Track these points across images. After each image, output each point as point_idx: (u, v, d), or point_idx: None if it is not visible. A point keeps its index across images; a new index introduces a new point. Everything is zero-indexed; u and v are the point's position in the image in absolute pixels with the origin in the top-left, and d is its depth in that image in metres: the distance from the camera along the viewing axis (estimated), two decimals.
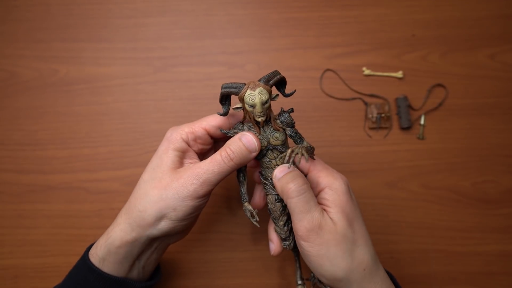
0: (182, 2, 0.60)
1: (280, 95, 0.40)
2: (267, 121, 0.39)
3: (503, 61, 0.58)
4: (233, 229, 0.54)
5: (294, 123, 0.40)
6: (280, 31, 0.59)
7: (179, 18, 0.59)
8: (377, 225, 0.54)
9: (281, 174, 0.38)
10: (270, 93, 0.37)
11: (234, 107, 0.39)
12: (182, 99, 0.57)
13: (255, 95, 0.36)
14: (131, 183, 0.55)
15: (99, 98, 0.57)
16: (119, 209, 0.53)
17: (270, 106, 0.38)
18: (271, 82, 0.38)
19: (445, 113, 0.57)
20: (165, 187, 0.38)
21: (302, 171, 0.41)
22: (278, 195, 0.40)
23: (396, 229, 0.54)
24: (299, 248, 0.39)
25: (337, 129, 0.56)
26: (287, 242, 0.42)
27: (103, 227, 0.53)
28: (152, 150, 0.55)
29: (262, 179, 0.41)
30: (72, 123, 0.56)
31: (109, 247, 0.39)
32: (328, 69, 0.58)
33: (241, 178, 0.41)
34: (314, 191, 0.40)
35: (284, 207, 0.40)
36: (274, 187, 0.40)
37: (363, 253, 0.37)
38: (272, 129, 0.39)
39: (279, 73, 0.39)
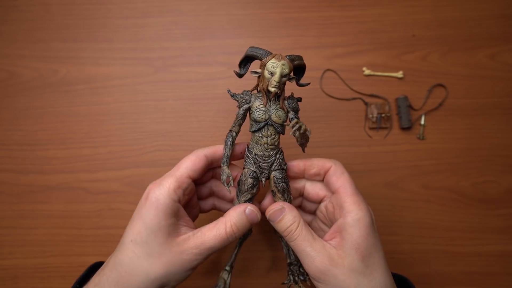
0: (182, 2, 0.60)
1: (294, 83, 0.41)
2: (277, 97, 0.39)
3: (503, 61, 0.58)
4: None
5: (299, 109, 0.41)
6: (280, 31, 0.59)
7: (179, 18, 0.59)
8: (377, 225, 0.53)
9: (275, 219, 0.39)
10: (291, 70, 0.38)
11: (253, 70, 0.39)
12: (182, 99, 0.57)
13: (278, 64, 0.37)
14: (131, 183, 0.55)
15: (99, 98, 0.57)
16: (119, 209, 0.54)
17: (285, 83, 0.39)
18: (295, 62, 0.39)
19: (446, 113, 0.56)
20: (167, 264, 0.36)
21: (331, 187, 0.41)
22: (255, 171, 0.40)
23: (397, 229, 0.54)
24: None
25: (337, 129, 0.56)
26: None
27: (103, 228, 0.53)
28: (152, 150, 0.56)
29: (246, 151, 0.41)
30: (72, 123, 0.56)
31: None
32: (328, 69, 0.58)
33: (229, 142, 0.40)
34: (336, 214, 0.40)
35: (254, 186, 0.40)
36: (254, 163, 0.40)
37: (376, 286, 0.37)
38: (278, 106, 0.39)
39: (303, 59, 0.40)
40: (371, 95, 0.57)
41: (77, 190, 0.54)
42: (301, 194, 0.45)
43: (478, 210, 0.54)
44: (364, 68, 0.57)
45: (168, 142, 0.56)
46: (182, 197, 0.39)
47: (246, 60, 0.40)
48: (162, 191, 0.37)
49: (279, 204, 0.40)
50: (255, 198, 0.43)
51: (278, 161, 0.40)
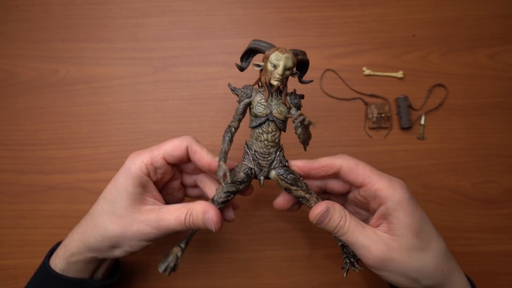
0: (182, 2, 0.60)
1: (297, 80, 0.40)
2: (279, 92, 0.39)
3: (503, 61, 0.58)
4: (233, 229, 0.54)
5: (302, 107, 0.40)
6: (280, 31, 0.59)
7: (179, 18, 0.59)
8: None
9: (324, 221, 0.38)
10: (294, 64, 0.37)
11: (255, 63, 0.38)
12: (182, 99, 0.57)
13: (281, 57, 0.36)
14: None
15: (99, 98, 0.57)
16: None
17: (287, 78, 0.38)
18: (299, 57, 0.38)
19: (445, 113, 0.56)
20: (125, 226, 0.38)
21: (354, 184, 0.40)
22: (252, 169, 0.39)
23: None
24: None
25: (337, 129, 0.56)
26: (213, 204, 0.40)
27: None
28: None
29: (245, 147, 0.40)
30: (72, 123, 0.56)
31: (68, 259, 0.41)
32: (328, 69, 0.58)
33: (228, 137, 0.38)
34: (372, 204, 0.39)
35: (243, 182, 0.39)
36: (253, 160, 0.39)
37: (437, 255, 0.37)
38: (280, 101, 0.38)
39: (306, 55, 0.39)
40: (371, 95, 0.57)
41: (77, 190, 0.54)
42: (323, 190, 0.43)
43: (478, 210, 0.54)
44: (364, 68, 0.57)
45: None
46: (154, 173, 0.41)
47: (249, 53, 0.40)
48: (135, 162, 0.40)
49: (323, 206, 0.38)
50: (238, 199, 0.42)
51: (278, 158, 0.39)
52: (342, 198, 0.45)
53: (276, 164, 0.39)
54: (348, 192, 0.43)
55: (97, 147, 0.56)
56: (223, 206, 0.40)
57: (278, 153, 0.39)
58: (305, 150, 0.41)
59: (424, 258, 0.37)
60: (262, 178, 0.39)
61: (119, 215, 0.38)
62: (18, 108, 0.57)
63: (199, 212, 0.38)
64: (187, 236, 0.41)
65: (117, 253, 0.40)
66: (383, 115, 0.56)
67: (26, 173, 0.55)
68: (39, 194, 0.54)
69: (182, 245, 0.41)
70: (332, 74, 0.58)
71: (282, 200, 0.42)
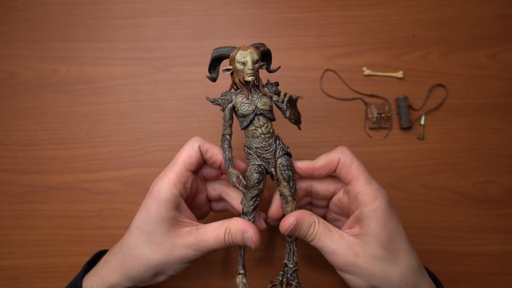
0: (182, 2, 0.60)
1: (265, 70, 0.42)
2: (256, 86, 0.40)
3: (503, 61, 0.58)
4: None
5: (280, 92, 0.40)
6: (280, 31, 0.59)
7: (179, 18, 0.59)
8: None
9: (293, 233, 0.39)
10: (260, 56, 0.39)
11: (224, 68, 0.40)
12: (182, 99, 0.57)
13: (246, 54, 0.38)
14: (131, 183, 0.55)
15: (99, 98, 0.57)
16: (119, 209, 0.54)
17: (258, 69, 0.39)
18: (261, 49, 0.40)
19: (446, 113, 0.56)
20: (167, 253, 0.38)
21: (344, 180, 0.40)
22: (260, 165, 0.40)
23: None
24: None
25: (337, 129, 0.56)
26: (246, 217, 0.40)
27: (103, 228, 0.53)
28: (152, 150, 0.56)
29: (246, 149, 0.41)
30: (72, 123, 0.56)
31: None
32: (328, 69, 0.58)
33: (226, 145, 0.40)
34: (352, 205, 0.40)
35: (261, 181, 0.40)
36: (258, 157, 0.40)
37: (403, 269, 0.38)
38: (260, 94, 0.40)
39: (266, 45, 0.41)
40: (371, 95, 0.57)
41: (77, 190, 0.54)
42: (309, 193, 0.44)
43: (478, 210, 0.54)
44: (364, 68, 0.57)
45: (168, 142, 0.56)
46: (184, 190, 0.40)
47: (215, 63, 0.41)
48: (163, 186, 0.39)
49: (292, 219, 0.39)
50: (263, 203, 0.42)
51: (279, 146, 0.40)
52: (324, 209, 0.45)
53: (279, 152, 0.40)
54: (331, 197, 0.44)
55: (97, 147, 0.56)
56: (255, 214, 0.41)
57: (277, 141, 0.40)
58: (300, 129, 0.42)
59: (388, 269, 0.37)
60: (272, 169, 0.40)
61: (159, 243, 0.38)
62: (18, 108, 0.57)
63: (237, 232, 0.38)
64: (239, 260, 0.41)
65: (160, 279, 0.40)
66: (383, 115, 0.56)
67: (26, 173, 0.55)
68: (39, 194, 0.54)
69: (241, 271, 0.41)
70: (332, 74, 0.58)
71: (275, 209, 0.42)
